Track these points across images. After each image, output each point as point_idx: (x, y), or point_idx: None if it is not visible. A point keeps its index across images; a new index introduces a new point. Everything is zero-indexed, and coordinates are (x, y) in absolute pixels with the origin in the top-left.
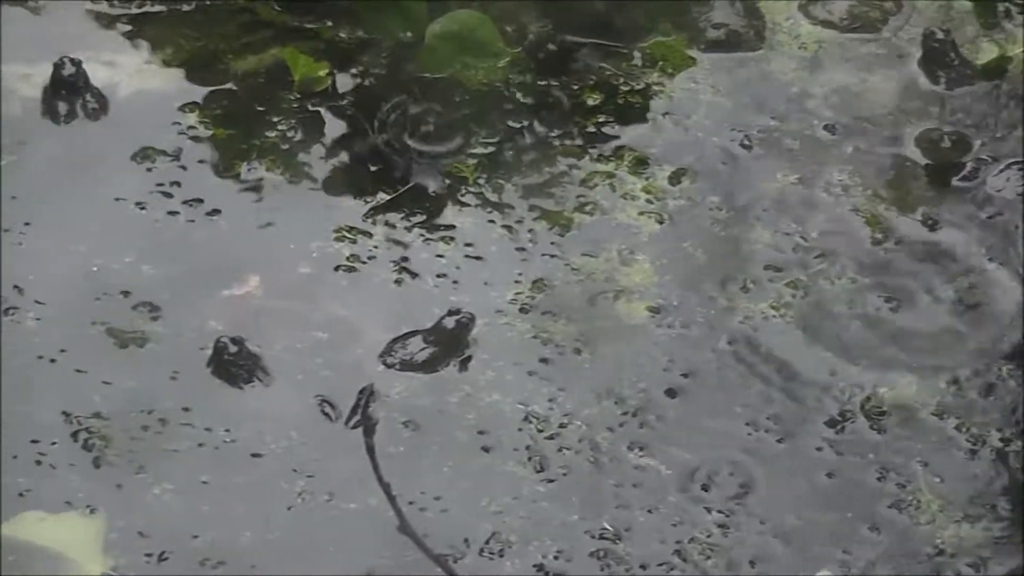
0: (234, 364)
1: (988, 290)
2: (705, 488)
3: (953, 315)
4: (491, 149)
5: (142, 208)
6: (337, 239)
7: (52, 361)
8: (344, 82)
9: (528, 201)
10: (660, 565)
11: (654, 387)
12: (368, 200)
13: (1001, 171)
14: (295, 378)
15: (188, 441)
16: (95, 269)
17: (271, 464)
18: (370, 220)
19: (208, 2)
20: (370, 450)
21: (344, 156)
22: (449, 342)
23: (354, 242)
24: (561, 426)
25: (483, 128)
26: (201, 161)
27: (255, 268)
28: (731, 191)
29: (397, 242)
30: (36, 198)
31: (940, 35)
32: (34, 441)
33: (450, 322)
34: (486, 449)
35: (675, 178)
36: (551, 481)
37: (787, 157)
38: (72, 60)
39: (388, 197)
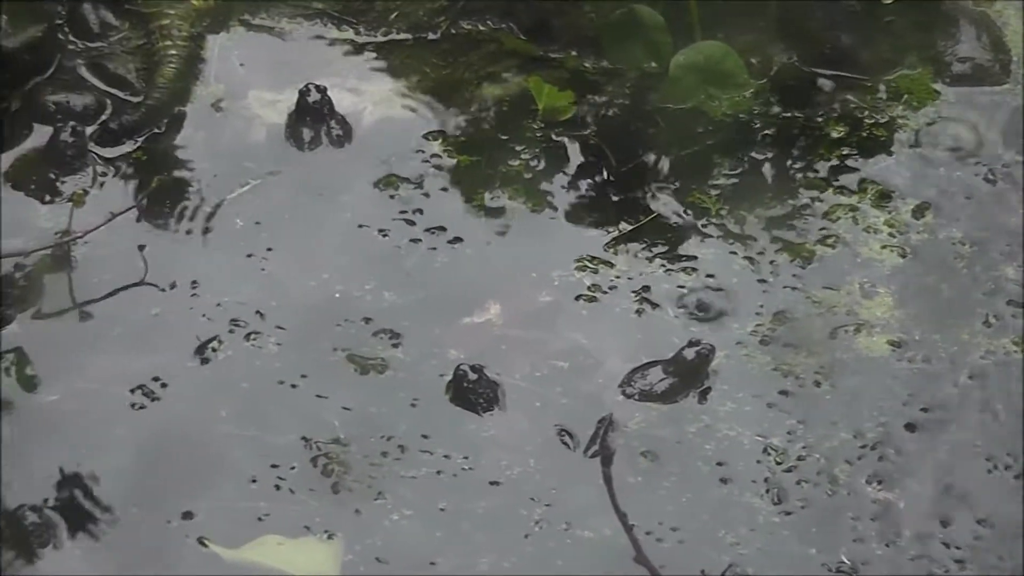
0: (473, 392)
1: None
2: (944, 524)
3: None
4: (734, 180)
5: (384, 235)
6: (579, 268)
7: (293, 386)
8: (588, 111)
9: (770, 233)
10: None
11: (894, 421)
12: (610, 230)
13: None
14: (534, 406)
15: (427, 468)
16: (337, 295)
17: (509, 492)
18: (612, 250)
19: (454, 31)
20: (608, 480)
21: (587, 186)
22: (689, 373)
23: (595, 271)
24: (799, 458)
25: (726, 159)
26: (444, 189)
27: (496, 296)
28: (974, 226)
29: (638, 272)
30: (279, 224)
31: None
32: (274, 466)
33: (690, 353)
34: (724, 480)
35: (918, 212)
36: (788, 513)
37: None
38: (317, 87)
39: (630, 227)
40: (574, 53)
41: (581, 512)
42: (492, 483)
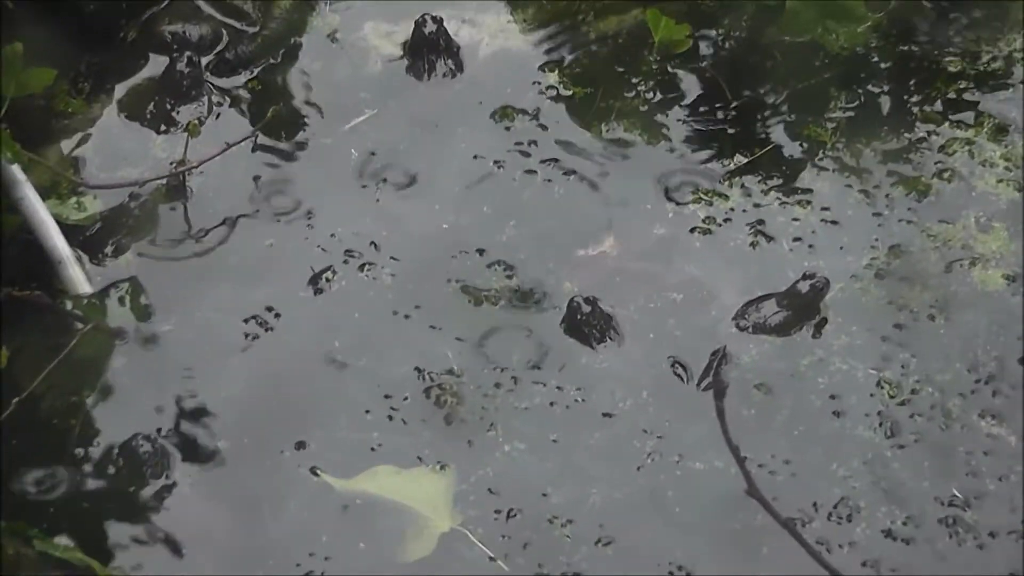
0: (587, 324)
1: None
2: None
3: None
4: (850, 113)
5: (499, 167)
6: (694, 201)
7: (406, 317)
8: (704, 44)
9: (886, 166)
10: (1010, 534)
11: (1008, 355)
12: (725, 162)
13: None
14: (647, 338)
15: (539, 399)
16: (450, 227)
17: (622, 424)
18: (727, 182)
19: None
20: (720, 412)
21: (702, 118)
22: (803, 306)
23: (710, 204)
24: (913, 392)
25: (842, 92)
26: (559, 121)
27: (610, 228)
28: None
29: (753, 205)
30: (394, 154)
31: None
32: (387, 396)
33: (804, 286)
34: (837, 414)
35: None
36: (901, 447)
37: None
38: (433, 18)
39: (745, 160)
40: None
41: (693, 445)
42: (605, 415)
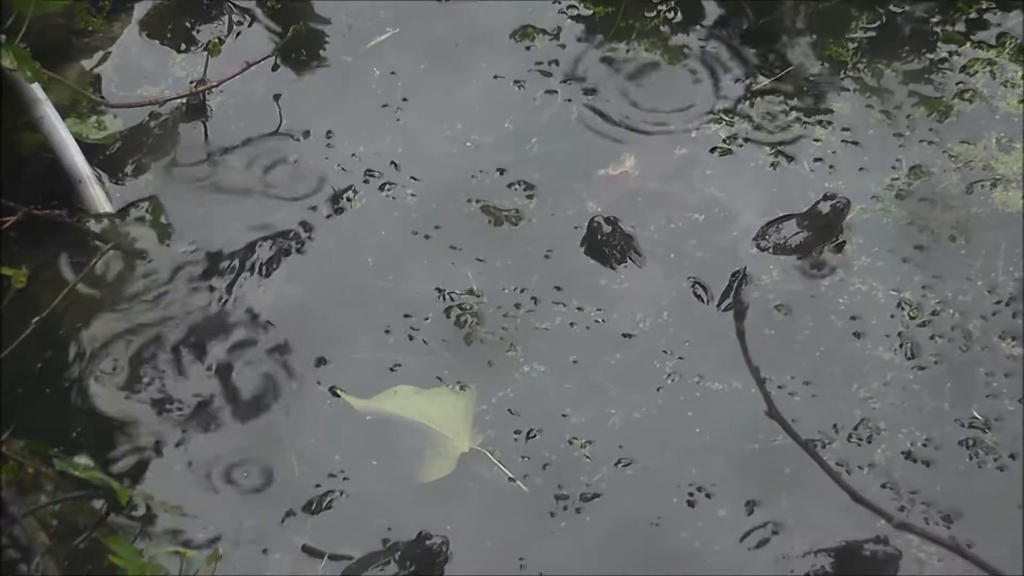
0: (607, 244)
1: None
2: None
3: None
4: (871, 33)
5: (520, 86)
6: (714, 121)
7: (427, 237)
8: None
9: (907, 87)
10: None
11: None
12: (747, 83)
13: None
14: (668, 259)
15: (560, 320)
16: (471, 146)
17: (641, 344)
18: (748, 103)
19: None
20: (740, 333)
21: (724, 39)
22: (824, 227)
23: (731, 125)
24: (934, 313)
25: (864, 12)
26: (580, 40)
27: (631, 148)
28: None
29: (775, 125)
30: (415, 74)
31: None
32: (407, 316)
33: (825, 207)
34: (857, 335)
35: None
36: (922, 368)
37: None
38: None
39: (767, 80)
40: None
41: (713, 365)
42: (625, 335)
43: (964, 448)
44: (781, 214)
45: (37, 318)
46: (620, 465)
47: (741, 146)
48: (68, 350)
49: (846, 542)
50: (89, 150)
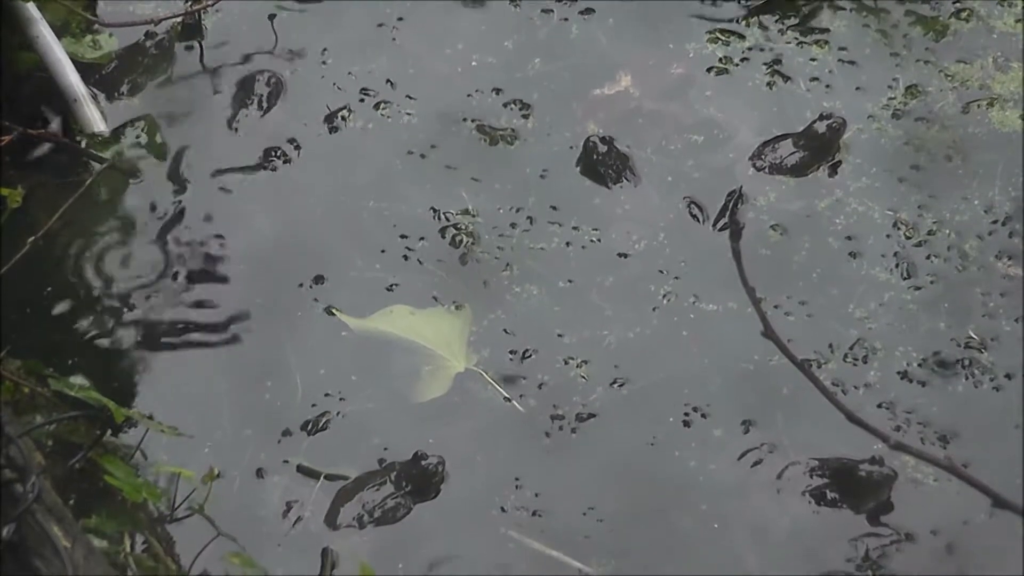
0: (603, 164)
1: None
2: None
3: None
4: None
5: (516, 5)
6: (711, 40)
7: (422, 156)
8: None
9: (903, 6)
10: None
11: None
12: (743, 1)
13: None
14: (664, 179)
15: (555, 240)
16: (466, 66)
17: (637, 265)
18: (744, 21)
19: None
20: (736, 253)
21: None
22: (820, 147)
23: (727, 44)
24: (929, 233)
25: None
26: None
27: (628, 68)
28: None
29: (771, 45)
30: None
31: None
32: (403, 236)
33: (822, 126)
34: (853, 255)
35: None
36: (918, 288)
37: None
38: None
39: None
40: None
41: (710, 286)
42: (620, 255)
43: (960, 368)
44: (777, 134)
45: (33, 238)
46: (615, 385)
47: (737, 65)
48: (64, 270)
49: (842, 462)
50: (84, 69)
